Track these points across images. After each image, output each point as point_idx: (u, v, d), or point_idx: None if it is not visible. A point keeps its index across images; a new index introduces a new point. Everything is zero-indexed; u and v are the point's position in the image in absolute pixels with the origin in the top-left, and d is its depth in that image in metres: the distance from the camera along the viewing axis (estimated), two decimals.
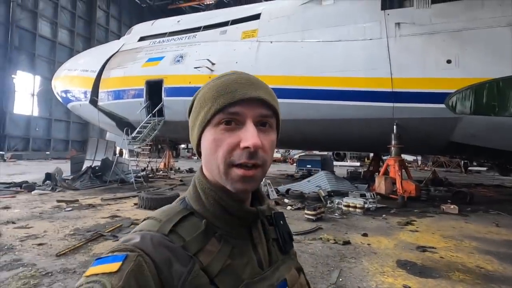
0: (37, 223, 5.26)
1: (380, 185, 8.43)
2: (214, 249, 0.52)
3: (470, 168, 22.52)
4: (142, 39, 13.16)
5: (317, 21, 9.23)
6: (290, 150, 31.29)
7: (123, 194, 8.66)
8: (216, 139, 0.53)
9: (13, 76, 23.82)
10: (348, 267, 3.67)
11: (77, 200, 7.40)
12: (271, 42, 9.71)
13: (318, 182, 9.48)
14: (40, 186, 9.24)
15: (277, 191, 9.19)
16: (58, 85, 15.00)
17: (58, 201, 7.22)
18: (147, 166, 14.33)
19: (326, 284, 3.18)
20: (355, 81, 8.30)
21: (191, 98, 0.61)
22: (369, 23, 8.47)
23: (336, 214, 6.68)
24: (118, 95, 12.16)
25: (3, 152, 21.61)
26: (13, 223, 5.19)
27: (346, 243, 4.57)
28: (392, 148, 8.45)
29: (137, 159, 12.95)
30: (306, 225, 5.59)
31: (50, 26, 27.27)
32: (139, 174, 11.43)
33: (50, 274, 3.22)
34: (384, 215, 6.64)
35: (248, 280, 0.52)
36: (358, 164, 27.26)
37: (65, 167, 11.80)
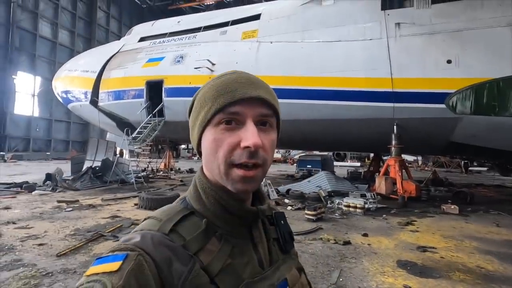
0: (37, 223, 5.26)
1: (380, 185, 8.42)
2: (215, 249, 0.52)
3: (470, 168, 22.51)
4: (142, 39, 13.17)
5: (317, 22, 9.23)
6: (290, 151, 31.32)
7: (124, 194, 8.66)
8: (216, 139, 0.53)
9: (13, 76, 23.86)
10: (348, 267, 3.67)
11: (78, 201, 7.41)
12: (271, 42, 9.71)
13: (319, 182, 9.48)
14: (40, 186, 9.25)
15: (278, 192, 9.19)
16: (59, 85, 15.01)
17: (59, 201, 7.23)
18: (148, 167, 14.34)
19: (327, 284, 3.18)
20: (355, 81, 8.30)
21: (191, 99, 0.61)
22: (369, 23, 8.47)
23: (337, 214, 6.68)
24: (118, 95, 12.17)
25: (4, 153, 21.64)
26: (14, 223, 5.19)
27: (347, 243, 4.57)
28: (393, 148, 8.44)
29: (138, 159, 12.97)
30: (307, 225, 5.59)
31: (50, 27, 27.32)
32: (139, 175, 11.43)
33: (50, 274, 3.22)
34: (384, 215, 6.64)
35: (249, 279, 0.52)
36: (358, 164, 27.26)
37: (66, 168, 11.81)
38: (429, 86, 7.62)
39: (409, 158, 25.49)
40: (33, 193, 8.27)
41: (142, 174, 11.99)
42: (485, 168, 22.80)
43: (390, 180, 8.42)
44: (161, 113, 11.33)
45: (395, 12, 8.27)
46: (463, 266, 3.79)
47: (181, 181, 12.23)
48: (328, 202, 7.73)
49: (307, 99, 8.84)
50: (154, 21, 14.38)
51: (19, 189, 8.67)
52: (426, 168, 24.57)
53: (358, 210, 6.88)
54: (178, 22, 13.01)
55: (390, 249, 4.38)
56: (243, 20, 10.86)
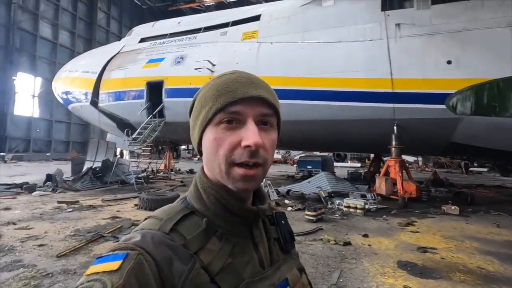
0: (37, 224, 5.26)
1: (380, 186, 8.42)
2: (215, 248, 0.52)
3: (471, 169, 22.49)
4: (142, 40, 13.19)
5: (317, 22, 9.24)
6: (291, 151, 31.31)
7: (124, 195, 8.66)
8: (217, 138, 0.53)
9: (14, 77, 23.86)
10: (348, 267, 3.66)
11: (78, 201, 7.41)
12: (272, 43, 9.72)
13: (319, 183, 9.47)
14: (40, 187, 9.24)
15: (278, 192, 9.18)
16: (59, 86, 15.01)
17: (59, 202, 7.23)
18: (148, 167, 14.34)
19: (327, 284, 3.18)
20: (356, 82, 8.30)
21: (191, 99, 0.61)
22: (369, 24, 8.47)
23: (337, 215, 6.68)
24: (118, 96, 12.18)
25: (4, 153, 21.65)
26: (14, 224, 5.19)
27: (347, 244, 4.57)
28: (393, 148, 8.43)
29: (138, 160, 12.97)
30: (307, 226, 5.59)
31: (51, 28, 27.35)
32: (139, 175, 11.43)
33: (50, 275, 3.22)
34: (384, 216, 6.63)
35: (249, 279, 0.52)
36: (358, 165, 27.21)
37: (66, 168, 11.83)
38: (429, 87, 7.62)
39: (409, 158, 25.46)
40: (33, 193, 8.27)
41: (142, 175, 11.99)
42: (485, 169, 22.78)
43: (390, 180, 8.41)
44: (161, 114, 11.33)
45: (395, 13, 8.28)
46: (464, 266, 3.78)
47: (181, 181, 12.23)
48: (329, 202, 7.72)
49: (308, 100, 8.84)
50: (154, 22, 14.38)
51: (19, 190, 8.67)
52: (426, 169, 24.56)
53: (358, 211, 6.88)
54: (179, 23, 13.03)
55: (391, 250, 4.37)
56: (243, 21, 10.87)
